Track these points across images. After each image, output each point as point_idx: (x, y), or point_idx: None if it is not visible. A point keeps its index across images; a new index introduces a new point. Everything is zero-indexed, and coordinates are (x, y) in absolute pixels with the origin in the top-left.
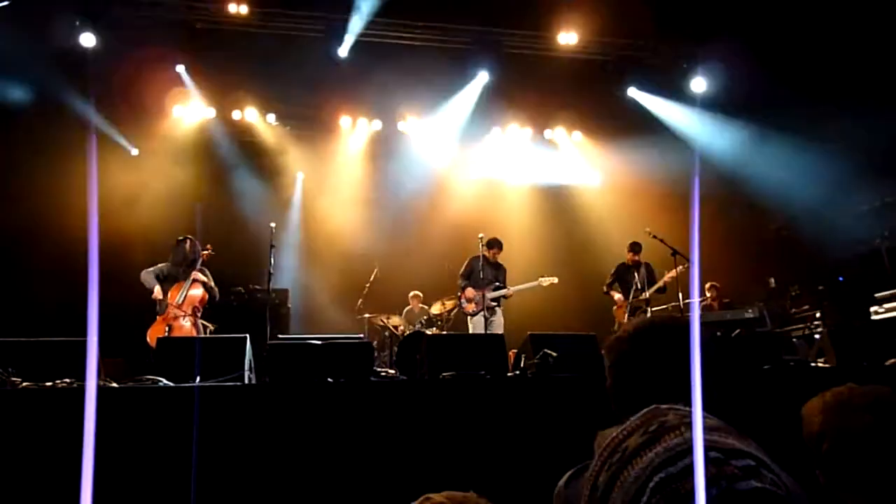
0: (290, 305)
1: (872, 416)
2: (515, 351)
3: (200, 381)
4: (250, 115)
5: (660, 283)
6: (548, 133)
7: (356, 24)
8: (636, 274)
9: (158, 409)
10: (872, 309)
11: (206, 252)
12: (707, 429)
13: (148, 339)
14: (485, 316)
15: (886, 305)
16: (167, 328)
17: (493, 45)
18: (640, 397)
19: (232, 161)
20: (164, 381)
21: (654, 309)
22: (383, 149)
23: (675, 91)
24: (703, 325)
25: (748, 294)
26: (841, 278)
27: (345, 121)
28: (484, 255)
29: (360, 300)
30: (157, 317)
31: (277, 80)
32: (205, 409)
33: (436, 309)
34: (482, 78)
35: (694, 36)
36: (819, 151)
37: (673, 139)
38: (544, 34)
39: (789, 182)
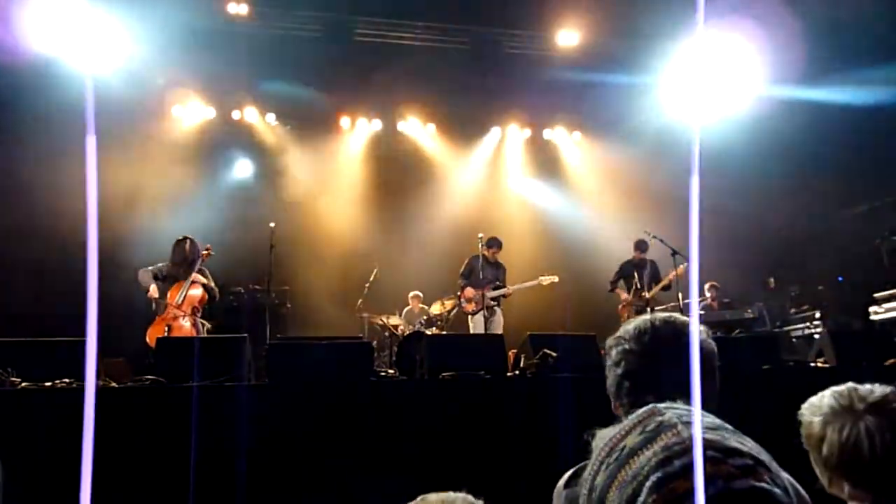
0: (289, 305)
1: (873, 416)
2: (515, 351)
3: (200, 381)
4: (250, 115)
5: (665, 282)
6: (547, 133)
7: (356, 24)
8: (642, 272)
9: (158, 409)
10: (872, 309)
11: (205, 252)
12: (705, 428)
13: (147, 339)
14: (484, 315)
15: (886, 305)
16: (167, 328)
17: (493, 45)
18: (639, 397)
19: (231, 161)
20: (164, 381)
21: (656, 308)
22: (383, 149)
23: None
24: (703, 325)
25: (748, 294)
26: (840, 278)
27: (345, 121)
28: (483, 255)
29: (360, 300)
30: (157, 317)
31: (277, 80)
32: (204, 409)
33: (435, 309)
34: (482, 78)
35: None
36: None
37: (673, 139)
38: (544, 34)
39: (790, 181)
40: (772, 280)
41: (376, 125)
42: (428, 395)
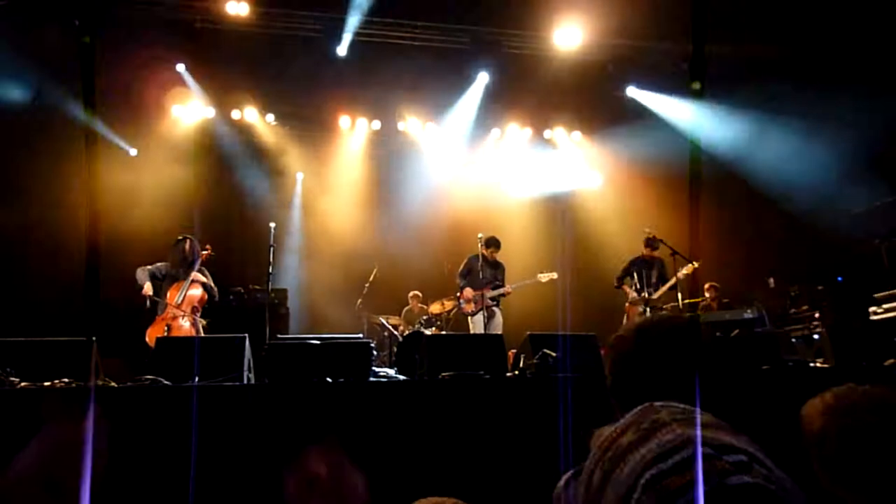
0: (289, 305)
1: (874, 416)
2: (515, 351)
3: (199, 381)
4: (250, 114)
5: (672, 281)
6: (547, 133)
7: (355, 24)
8: (650, 270)
9: (157, 409)
10: (871, 309)
11: (205, 252)
12: (700, 425)
13: (147, 339)
14: (484, 315)
15: (885, 306)
16: (166, 328)
17: (493, 45)
18: (641, 396)
19: (231, 161)
20: (163, 381)
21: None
22: (383, 149)
23: (674, 90)
24: (702, 325)
25: (747, 294)
26: (840, 278)
27: (344, 120)
28: (482, 255)
29: (360, 300)
30: (156, 317)
31: (277, 79)
32: (204, 409)
33: (435, 309)
34: (482, 78)
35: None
36: (819, 149)
37: (673, 139)
38: (544, 34)
39: (789, 181)
40: (771, 280)
41: (376, 125)
42: (427, 396)
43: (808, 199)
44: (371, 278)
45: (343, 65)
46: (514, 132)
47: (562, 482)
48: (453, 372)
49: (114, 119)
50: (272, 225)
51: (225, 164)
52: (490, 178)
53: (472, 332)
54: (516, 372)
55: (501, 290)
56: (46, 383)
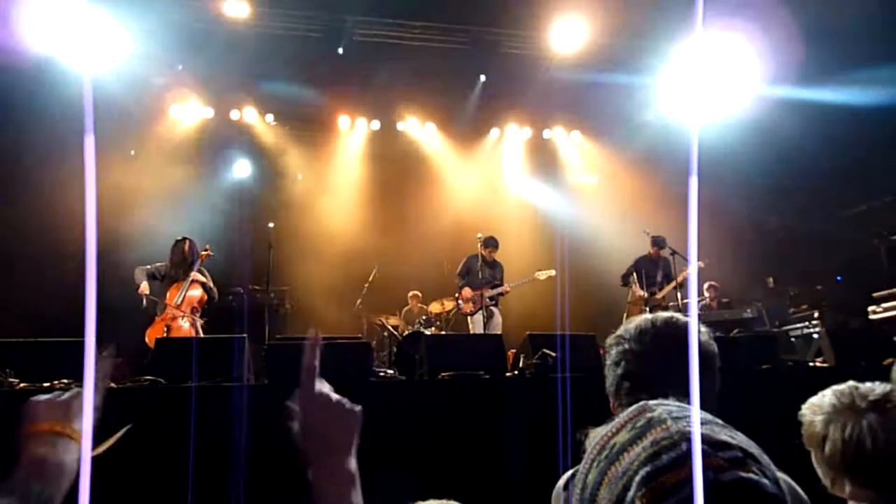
0: (288, 306)
1: (875, 414)
2: (514, 351)
3: (199, 381)
4: (249, 115)
5: (679, 279)
6: (546, 133)
7: (354, 24)
8: (656, 269)
9: (157, 410)
10: (870, 309)
11: (204, 253)
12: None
13: (146, 340)
14: (483, 315)
15: (884, 305)
16: (166, 328)
17: (492, 45)
18: (638, 396)
19: (230, 161)
20: (163, 382)
21: (656, 307)
22: (382, 149)
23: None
24: (702, 325)
25: (747, 294)
26: (839, 278)
27: (343, 121)
28: (481, 255)
29: (359, 300)
30: (156, 317)
31: (276, 79)
32: (203, 410)
33: (434, 309)
34: (481, 78)
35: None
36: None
37: (672, 138)
38: (542, 34)
39: (788, 180)
40: (771, 280)
41: (375, 125)
42: (427, 396)
43: (807, 199)
44: (370, 278)
45: (342, 65)
46: (513, 132)
47: (561, 482)
48: (453, 372)
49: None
50: (271, 225)
51: (224, 164)
52: (489, 178)
53: (471, 331)
54: (516, 372)
55: (500, 290)
56: (46, 384)
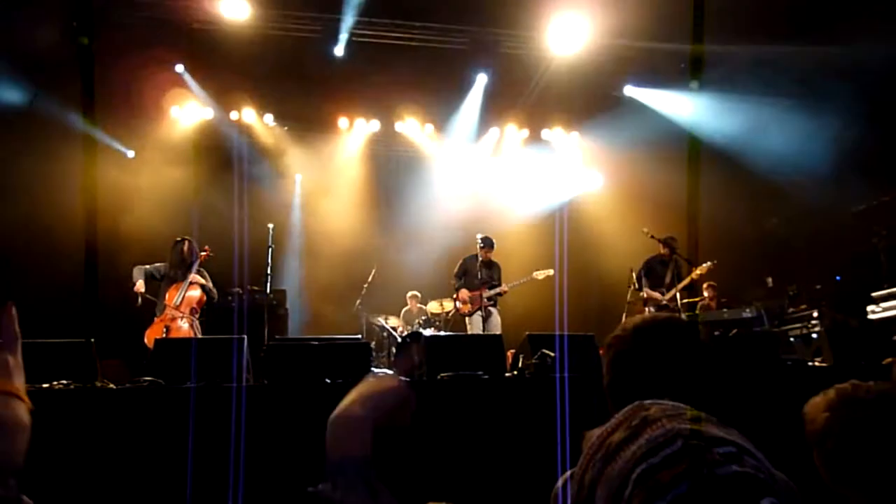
0: (287, 306)
1: (879, 412)
2: (514, 351)
3: (198, 382)
4: (248, 115)
5: (686, 280)
6: (545, 133)
7: (353, 25)
8: (666, 269)
9: (156, 411)
10: (869, 308)
11: (204, 253)
12: (689, 420)
13: (146, 341)
14: (482, 316)
15: (883, 305)
16: (165, 329)
17: (491, 46)
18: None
19: (229, 162)
20: (162, 383)
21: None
22: (381, 149)
23: (673, 88)
24: (701, 324)
25: (746, 293)
26: (838, 278)
27: (343, 121)
28: (477, 255)
29: (359, 300)
30: (155, 318)
31: (275, 80)
32: (202, 411)
33: (434, 309)
34: (480, 78)
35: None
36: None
37: (671, 138)
38: (541, 34)
39: (788, 179)
40: (770, 279)
41: (374, 125)
42: (426, 396)
43: (806, 198)
44: (370, 279)
45: (341, 66)
46: (513, 132)
47: (559, 483)
48: (452, 372)
49: (112, 120)
50: (270, 226)
51: (222, 165)
52: (488, 179)
53: (469, 332)
54: (515, 372)
55: (498, 290)
56: (45, 385)
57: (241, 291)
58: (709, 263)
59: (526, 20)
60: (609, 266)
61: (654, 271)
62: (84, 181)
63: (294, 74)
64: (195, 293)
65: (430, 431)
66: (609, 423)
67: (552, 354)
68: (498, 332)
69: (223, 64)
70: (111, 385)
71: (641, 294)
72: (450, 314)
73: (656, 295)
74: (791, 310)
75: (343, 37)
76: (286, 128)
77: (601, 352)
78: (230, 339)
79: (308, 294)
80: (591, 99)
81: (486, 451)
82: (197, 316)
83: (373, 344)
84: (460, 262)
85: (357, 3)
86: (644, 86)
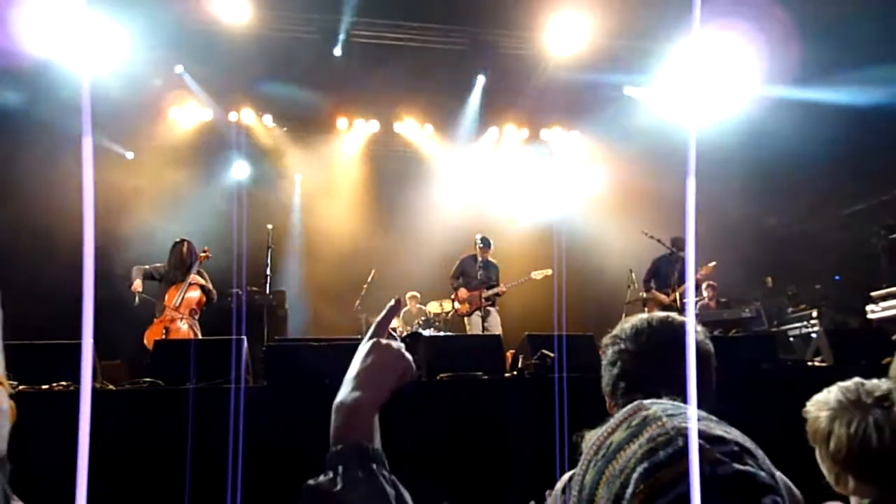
0: (287, 307)
1: (881, 410)
2: (513, 351)
3: (197, 383)
4: (247, 116)
5: (702, 273)
6: (544, 133)
7: (352, 25)
8: (673, 268)
9: (155, 412)
10: (869, 308)
11: (203, 254)
12: (690, 419)
13: (145, 342)
14: (480, 316)
15: (882, 304)
16: (164, 330)
17: (490, 46)
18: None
19: (229, 162)
20: (161, 384)
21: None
22: (380, 150)
23: (672, 88)
24: (700, 324)
25: (745, 293)
26: (837, 277)
27: (342, 122)
28: (475, 255)
29: (358, 301)
30: (155, 319)
31: (274, 81)
32: (202, 412)
33: (433, 310)
34: (479, 79)
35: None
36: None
37: (671, 138)
38: (541, 35)
39: (788, 180)
40: (769, 279)
41: (373, 126)
42: (426, 396)
43: (806, 199)
44: (369, 279)
45: (340, 66)
46: (512, 132)
47: (559, 485)
48: (451, 373)
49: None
50: (269, 226)
51: (222, 165)
52: (487, 179)
53: (468, 332)
54: (514, 372)
55: (496, 290)
56: (45, 386)
57: (240, 292)
58: (713, 263)
59: (525, 20)
60: (608, 266)
61: (660, 271)
62: (83, 182)
63: (294, 75)
64: (194, 294)
65: (429, 432)
66: (609, 423)
67: (552, 355)
68: (498, 332)
69: (223, 64)
70: (111, 386)
71: (641, 294)
72: (449, 314)
73: (662, 296)
74: (790, 310)
75: (342, 37)
76: (285, 128)
77: (600, 352)
78: (229, 340)
79: (308, 295)
80: (591, 99)
81: (485, 451)
82: (196, 317)
83: None
84: (457, 262)
85: (356, 4)
86: (643, 85)
